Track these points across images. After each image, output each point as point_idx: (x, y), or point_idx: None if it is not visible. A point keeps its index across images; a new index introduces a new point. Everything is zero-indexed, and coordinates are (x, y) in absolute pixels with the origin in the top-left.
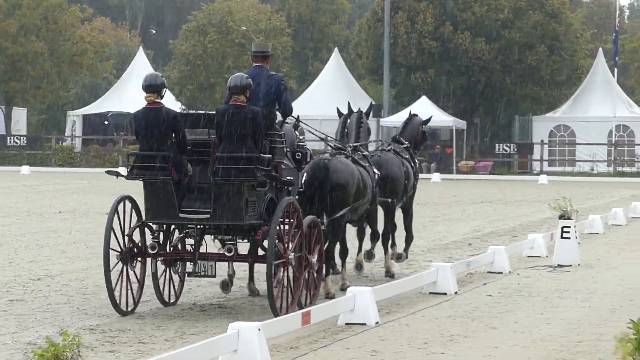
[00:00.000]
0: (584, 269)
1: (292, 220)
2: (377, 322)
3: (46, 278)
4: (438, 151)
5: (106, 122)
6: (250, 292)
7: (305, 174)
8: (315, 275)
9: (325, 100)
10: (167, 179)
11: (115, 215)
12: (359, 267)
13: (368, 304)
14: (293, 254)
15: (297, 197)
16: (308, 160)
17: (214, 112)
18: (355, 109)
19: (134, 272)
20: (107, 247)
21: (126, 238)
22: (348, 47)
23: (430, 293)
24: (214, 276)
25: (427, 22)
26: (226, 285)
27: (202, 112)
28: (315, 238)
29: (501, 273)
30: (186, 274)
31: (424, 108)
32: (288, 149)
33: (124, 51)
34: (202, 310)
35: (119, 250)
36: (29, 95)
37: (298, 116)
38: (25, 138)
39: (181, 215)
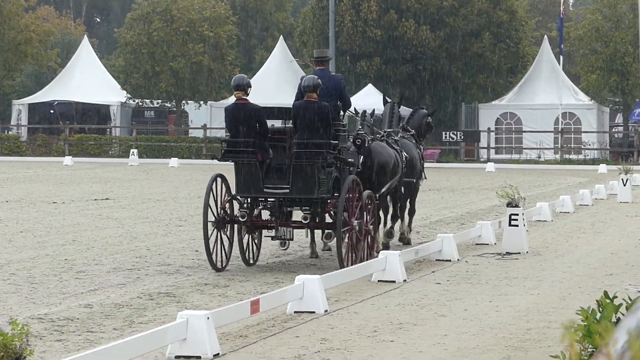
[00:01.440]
0: (532, 257)
1: (355, 194)
2: (326, 311)
3: None
4: None
5: (52, 111)
6: (312, 252)
7: (362, 157)
8: (370, 239)
9: (271, 88)
10: (253, 160)
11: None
12: (389, 234)
13: (317, 292)
14: (356, 221)
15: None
16: (366, 145)
17: (290, 107)
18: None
19: (226, 236)
20: (205, 216)
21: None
22: (293, 35)
23: (379, 281)
24: (292, 239)
25: (371, 10)
26: (314, 252)
27: (281, 106)
28: (371, 209)
29: (450, 261)
30: (270, 238)
31: (370, 96)
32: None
33: (69, 40)
34: (150, 298)
35: (214, 218)
36: None
37: (355, 109)
38: None
39: (265, 190)
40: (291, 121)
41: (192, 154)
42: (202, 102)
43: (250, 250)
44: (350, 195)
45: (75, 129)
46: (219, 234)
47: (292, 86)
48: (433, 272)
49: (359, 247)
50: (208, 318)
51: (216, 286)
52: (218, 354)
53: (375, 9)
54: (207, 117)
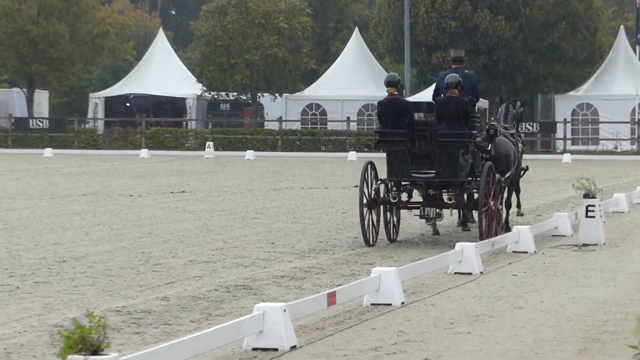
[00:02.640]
0: (609, 248)
1: (491, 178)
2: (402, 303)
3: (71, 260)
4: None
5: (128, 104)
6: (434, 231)
7: (491, 145)
8: (500, 217)
9: (346, 80)
10: (403, 149)
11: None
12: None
13: (393, 284)
14: (492, 202)
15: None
16: (498, 135)
17: (434, 102)
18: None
19: (376, 216)
20: (361, 198)
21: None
22: (368, 27)
23: (455, 273)
24: (435, 218)
25: (446, 1)
26: (436, 230)
27: (426, 101)
28: (500, 191)
29: (526, 252)
30: (419, 217)
31: None
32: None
33: (144, 33)
34: (227, 291)
35: (367, 200)
36: (50, 78)
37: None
38: (47, 121)
39: (413, 175)
40: (434, 114)
41: (267, 146)
42: (277, 95)
43: (393, 228)
44: (488, 179)
45: (151, 122)
46: (370, 213)
47: (368, 77)
48: (509, 264)
49: (493, 225)
50: (285, 310)
51: (292, 278)
52: (295, 346)
53: (450, 0)
54: (282, 109)
